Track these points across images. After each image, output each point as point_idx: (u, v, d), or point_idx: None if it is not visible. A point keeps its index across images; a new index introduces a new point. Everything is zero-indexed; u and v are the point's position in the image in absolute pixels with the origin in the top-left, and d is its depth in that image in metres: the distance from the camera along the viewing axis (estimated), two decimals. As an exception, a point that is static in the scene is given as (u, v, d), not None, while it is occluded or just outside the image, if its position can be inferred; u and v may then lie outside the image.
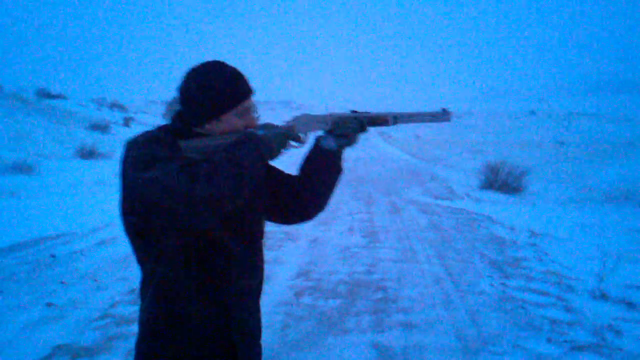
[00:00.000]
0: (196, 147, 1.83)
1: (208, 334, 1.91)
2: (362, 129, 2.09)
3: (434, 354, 4.38)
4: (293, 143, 2.02)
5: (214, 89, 1.86)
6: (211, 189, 1.65)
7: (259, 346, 2.11)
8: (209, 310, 1.90)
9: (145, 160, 1.72)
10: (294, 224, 2.28)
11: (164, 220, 1.75)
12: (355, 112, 2.13)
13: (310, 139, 2.11)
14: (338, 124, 2.08)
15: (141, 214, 1.80)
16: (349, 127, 2.07)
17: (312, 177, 2.11)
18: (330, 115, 2.13)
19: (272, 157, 1.91)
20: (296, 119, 2.09)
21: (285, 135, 1.97)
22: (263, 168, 1.86)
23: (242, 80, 1.93)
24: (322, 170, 2.11)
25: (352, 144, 2.10)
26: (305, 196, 2.12)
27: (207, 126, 1.90)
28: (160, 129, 1.93)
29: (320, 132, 2.12)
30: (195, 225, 1.77)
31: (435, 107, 2.22)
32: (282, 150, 1.95)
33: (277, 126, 1.99)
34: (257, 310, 2.10)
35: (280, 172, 2.18)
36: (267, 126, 1.96)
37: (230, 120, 1.90)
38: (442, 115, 2.13)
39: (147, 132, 1.89)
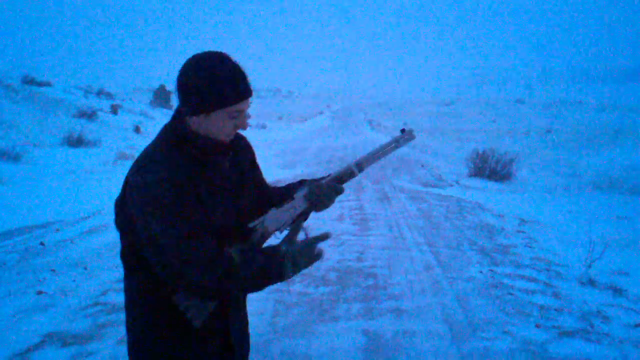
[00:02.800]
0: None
1: (207, 329, 1.92)
2: (339, 193, 2.05)
3: (423, 340, 4.42)
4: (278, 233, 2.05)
5: (209, 83, 1.76)
6: (233, 286, 1.78)
7: (249, 335, 2.17)
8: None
9: (169, 201, 1.71)
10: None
11: (165, 274, 1.78)
12: (316, 180, 2.08)
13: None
14: (317, 200, 2.02)
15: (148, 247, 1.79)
16: (328, 200, 2.03)
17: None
18: (294, 199, 2.05)
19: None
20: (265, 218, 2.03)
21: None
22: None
23: (243, 79, 1.83)
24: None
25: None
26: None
27: (194, 118, 1.82)
28: (164, 138, 1.88)
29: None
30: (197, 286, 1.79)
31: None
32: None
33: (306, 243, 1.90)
34: (244, 298, 2.14)
35: (261, 180, 2.19)
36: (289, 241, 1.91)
37: (220, 119, 1.82)
38: (405, 137, 2.07)
39: (152, 165, 1.79)
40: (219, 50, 1.86)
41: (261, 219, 2.00)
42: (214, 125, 1.83)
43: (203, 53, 1.84)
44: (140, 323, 1.91)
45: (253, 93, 1.89)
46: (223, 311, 1.95)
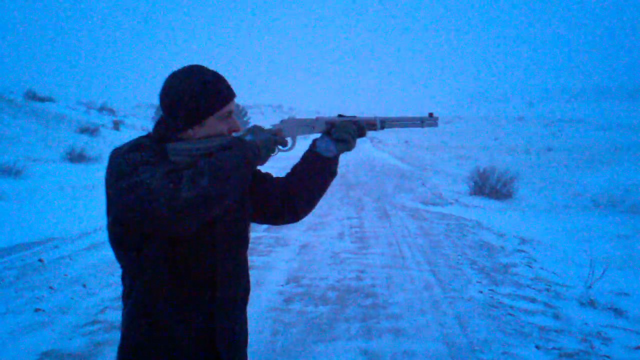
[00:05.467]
0: (183, 150, 1.83)
1: (192, 345, 1.89)
2: (361, 133, 2.09)
3: (423, 360, 4.39)
4: (280, 147, 2.03)
5: (196, 93, 1.83)
6: (195, 191, 1.63)
7: (245, 354, 2.11)
8: (193, 321, 1.88)
9: (130, 165, 1.70)
10: (282, 224, 2.26)
11: (147, 226, 1.68)
12: (342, 115, 2.12)
13: (299, 143, 2.11)
14: (337, 128, 2.06)
15: (124, 222, 1.78)
16: (348, 132, 2.06)
17: (307, 181, 2.10)
18: (318, 119, 2.13)
19: (260, 162, 1.92)
20: (283, 122, 2.10)
21: (272, 140, 1.97)
22: (249, 173, 1.85)
23: (223, 83, 1.91)
24: (318, 175, 2.10)
25: (351, 149, 2.10)
26: (297, 198, 2.11)
27: (190, 131, 1.88)
28: (145, 136, 1.91)
29: (313, 135, 2.13)
30: (178, 230, 1.69)
31: (422, 112, 2.25)
32: (270, 154, 1.96)
33: (264, 130, 1.99)
34: (243, 319, 2.08)
35: (267, 176, 2.17)
36: (254, 130, 1.96)
37: (213, 124, 1.89)
38: (429, 120, 2.16)
39: (132, 140, 1.87)
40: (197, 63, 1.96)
41: (279, 121, 2.09)
42: (210, 132, 1.89)
43: (181, 68, 1.92)
44: (126, 328, 1.90)
45: (236, 95, 1.98)
46: (208, 318, 1.91)
